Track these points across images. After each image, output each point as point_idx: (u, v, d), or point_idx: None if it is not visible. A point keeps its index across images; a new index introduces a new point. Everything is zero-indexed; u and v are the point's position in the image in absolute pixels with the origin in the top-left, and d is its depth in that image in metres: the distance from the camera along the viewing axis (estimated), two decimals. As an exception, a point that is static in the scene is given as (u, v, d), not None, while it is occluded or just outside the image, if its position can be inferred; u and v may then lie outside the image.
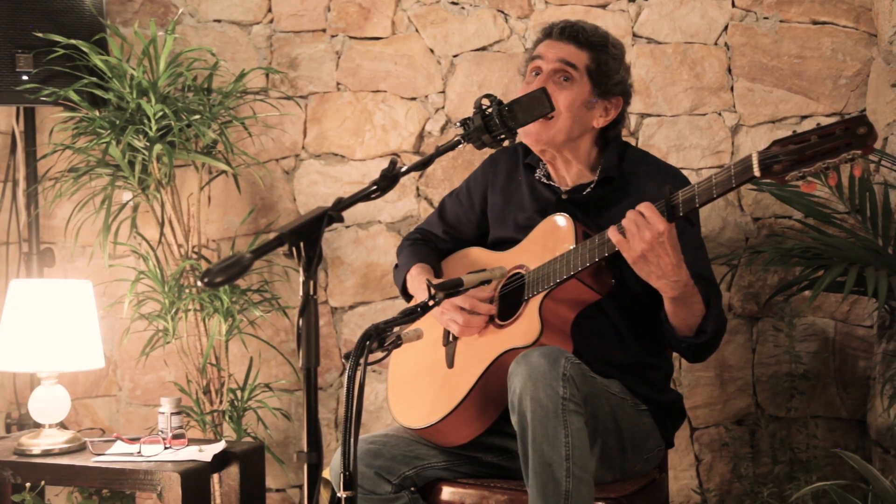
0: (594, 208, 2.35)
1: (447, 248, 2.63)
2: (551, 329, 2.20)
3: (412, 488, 2.32)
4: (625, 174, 2.39)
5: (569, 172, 2.44)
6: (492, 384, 2.23)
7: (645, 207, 2.06)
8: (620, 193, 2.35)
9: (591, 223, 2.31)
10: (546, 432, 2.02)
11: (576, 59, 2.36)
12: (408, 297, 2.58)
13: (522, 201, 2.48)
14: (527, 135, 2.37)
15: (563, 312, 2.24)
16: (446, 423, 2.27)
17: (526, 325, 2.23)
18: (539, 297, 2.22)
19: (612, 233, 2.09)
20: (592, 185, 2.40)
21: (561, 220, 2.31)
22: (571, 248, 2.21)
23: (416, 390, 2.42)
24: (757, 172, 1.89)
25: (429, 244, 2.64)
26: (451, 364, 2.37)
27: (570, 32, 2.38)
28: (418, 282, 2.50)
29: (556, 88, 2.33)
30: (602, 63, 2.38)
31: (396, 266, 2.64)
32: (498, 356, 2.22)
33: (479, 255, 2.52)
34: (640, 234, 2.03)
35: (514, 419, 2.09)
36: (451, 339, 2.41)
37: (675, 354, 2.54)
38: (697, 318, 2.19)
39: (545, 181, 2.48)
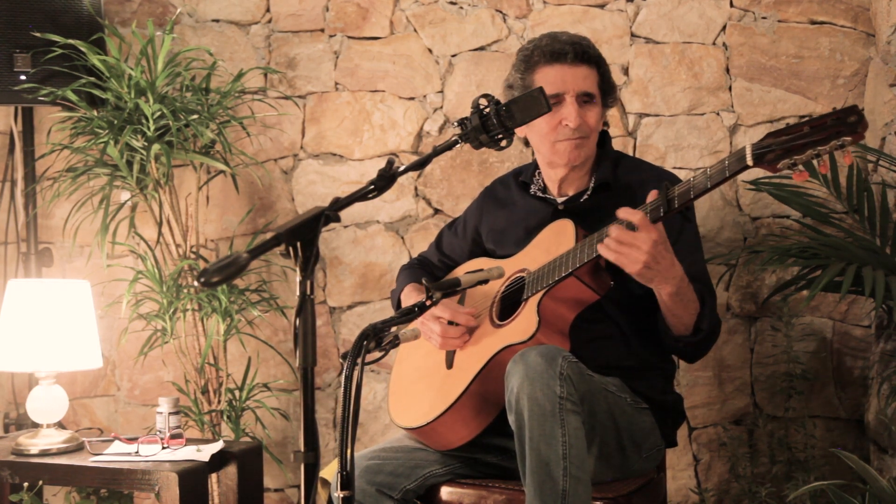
0: (591, 215, 2.37)
1: (442, 276, 2.69)
2: (549, 327, 2.20)
3: (415, 501, 2.33)
4: (620, 180, 2.44)
5: (573, 183, 2.48)
6: (489, 382, 2.23)
7: (637, 221, 2.07)
8: (616, 200, 2.36)
9: (588, 230, 2.32)
10: (543, 432, 2.03)
11: (592, 80, 2.40)
12: None
13: (521, 219, 2.52)
14: (555, 163, 2.42)
15: (563, 312, 2.24)
16: (442, 423, 2.27)
17: (523, 323, 2.23)
18: (537, 296, 2.23)
19: (605, 252, 2.11)
20: (588, 193, 2.45)
21: (562, 224, 2.34)
22: (570, 248, 2.23)
23: (415, 392, 2.42)
24: (750, 162, 1.95)
25: (425, 269, 2.70)
26: (450, 365, 2.37)
27: (582, 54, 2.39)
28: (412, 298, 2.55)
29: (581, 111, 2.38)
30: (607, 77, 2.45)
31: (393, 291, 2.71)
32: (495, 354, 2.22)
33: (483, 263, 2.54)
34: (636, 251, 2.06)
35: (511, 419, 2.09)
36: None
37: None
38: (694, 316, 2.22)
39: (541, 195, 2.52)
